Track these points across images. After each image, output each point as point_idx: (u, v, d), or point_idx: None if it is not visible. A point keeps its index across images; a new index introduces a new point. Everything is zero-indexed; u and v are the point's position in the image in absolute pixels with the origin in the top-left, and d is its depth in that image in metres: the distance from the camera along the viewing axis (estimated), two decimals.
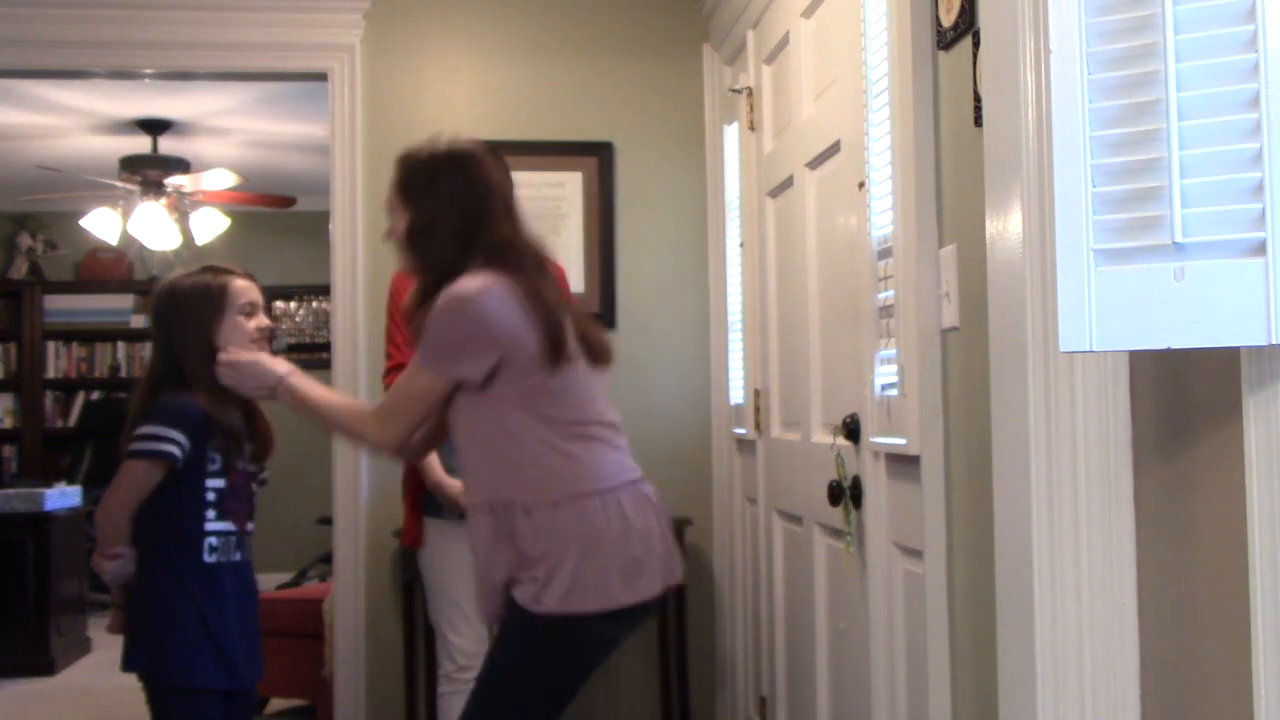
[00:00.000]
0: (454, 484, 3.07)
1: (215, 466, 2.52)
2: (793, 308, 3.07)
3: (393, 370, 3.16)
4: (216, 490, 2.52)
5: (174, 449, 2.45)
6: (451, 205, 2.28)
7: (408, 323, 2.38)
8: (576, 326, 2.29)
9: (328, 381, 3.95)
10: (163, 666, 2.45)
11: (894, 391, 2.34)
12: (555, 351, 2.21)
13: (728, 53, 3.82)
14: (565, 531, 2.18)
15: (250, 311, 2.57)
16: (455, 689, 3.13)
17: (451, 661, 3.11)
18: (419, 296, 2.30)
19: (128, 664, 2.51)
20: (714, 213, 4.00)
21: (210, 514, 2.51)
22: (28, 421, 7.95)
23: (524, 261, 2.28)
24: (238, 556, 2.54)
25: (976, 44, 1.95)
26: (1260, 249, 1.22)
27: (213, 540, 2.50)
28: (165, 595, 2.47)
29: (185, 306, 2.55)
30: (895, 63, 2.29)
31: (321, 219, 4.53)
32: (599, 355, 2.32)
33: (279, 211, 7.09)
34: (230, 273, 2.59)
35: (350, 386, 3.89)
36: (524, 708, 2.23)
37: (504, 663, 2.25)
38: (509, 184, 2.37)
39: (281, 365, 2.45)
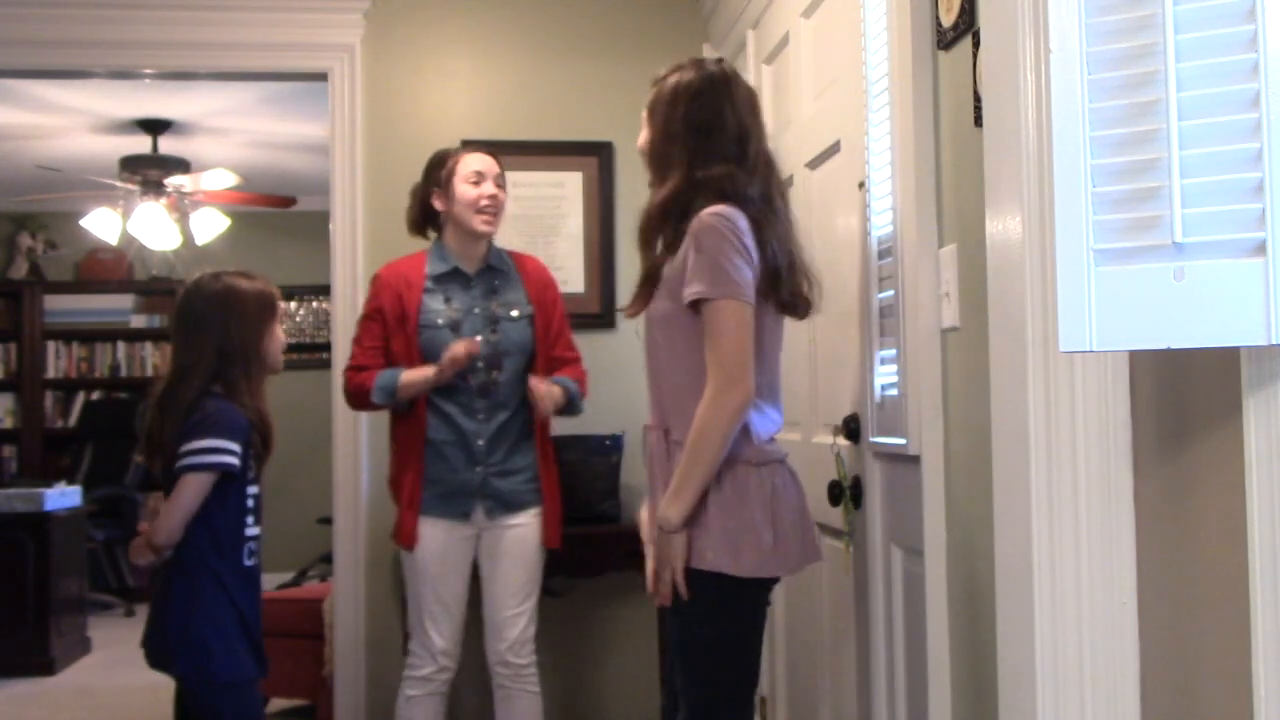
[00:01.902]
0: (423, 371, 3.04)
1: (252, 474, 2.59)
2: None
3: (352, 369, 3.13)
4: (254, 496, 2.60)
5: (233, 459, 2.51)
6: (679, 140, 2.33)
7: (642, 244, 2.36)
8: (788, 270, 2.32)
9: (327, 382, 3.96)
10: (211, 665, 2.50)
11: (894, 391, 2.34)
12: (775, 288, 2.25)
13: (728, 53, 3.82)
14: (723, 491, 2.22)
15: (282, 320, 2.65)
16: (430, 691, 3.10)
17: (433, 662, 3.08)
18: (654, 217, 2.34)
19: (168, 666, 2.54)
20: None
21: (249, 520, 2.58)
22: (28, 421, 7.95)
23: (752, 192, 2.30)
24: (259, 559, 2.64)
25: (976, 44, 1.95)
26: (1260, 249, 1.22)
27: (251, 545, 2.59)
28: (207, 599, 2.52)
29: (249, 311, 2.60)
30: (895, 63, 2.29)
31: (321, 219, 4.53)
32: (795, 307, 2.33)
33: (279, 211, 7.10)
34: (264, 280, 2.66)
35: None
36: (725, 671, 2.26)
37: (696, 632, 2.27)
38: (740, 122, 2.36)
39: (666, 520, 2.23)
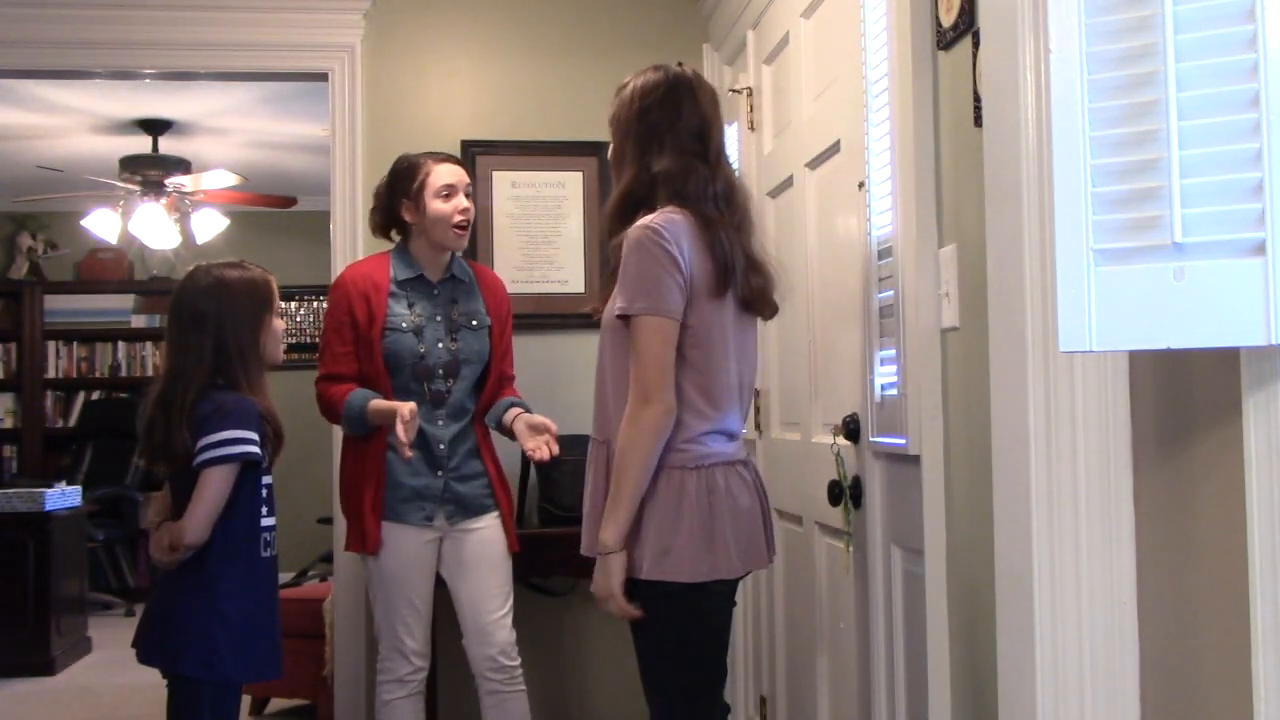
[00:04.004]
0: (398, 404, 2.98)
1: (265, 464, 2.56)
2: (793, 308, 3.06)
3: (325, 379, 3.08)
4: (268, 487, 2.57)
5: (255, 449, 2.49)
6: (633, 135, 2.34)
7: (606, 236, 2.38)
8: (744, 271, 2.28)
9: None
10: (220, 667, 2.47)
11: (894, 391, 2.34)
12: (726, 279, 2.22)
13: (728, 53, 3.82)
14: (656, 496, 2.20)
15: (280, 313, 2.61)
16: (409, 692, 3.08)
17: (408, 663, 3.07)
18: (613, 213, 2.35)
19: (175, 663, 2.50)
20: None
21: (264, 510, 2.55)
22: (28, 421, 7.96)
23: (713, 195, 2.28)
24: (276, 549, 2.60)
25: (976, 44, 1.95)
26: (1260, 249, 1.22)
27: (267, 535, 2.56)
28: (221, 595, 2.48)
29: (240, 301, 2.55)
30: (895, 63, 2.29)
31: (321, 219, 4.53)
32: (754, 304, 2.30)
33: (279, 211, 7.10)
34: (260, 270, 2.61)
35: None
36: (672, 676, 2.23)
37: (639, 638, 2.27)
38: (702, 116, 2.34)
39: (601, 543, 2.22)
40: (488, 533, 3.15)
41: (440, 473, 3.10)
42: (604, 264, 2.43)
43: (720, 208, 2.28)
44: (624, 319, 2.21)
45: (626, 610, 2.20)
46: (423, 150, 3.25)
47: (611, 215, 2.35)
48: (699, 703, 2.26)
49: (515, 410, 3.14)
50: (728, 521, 2.21)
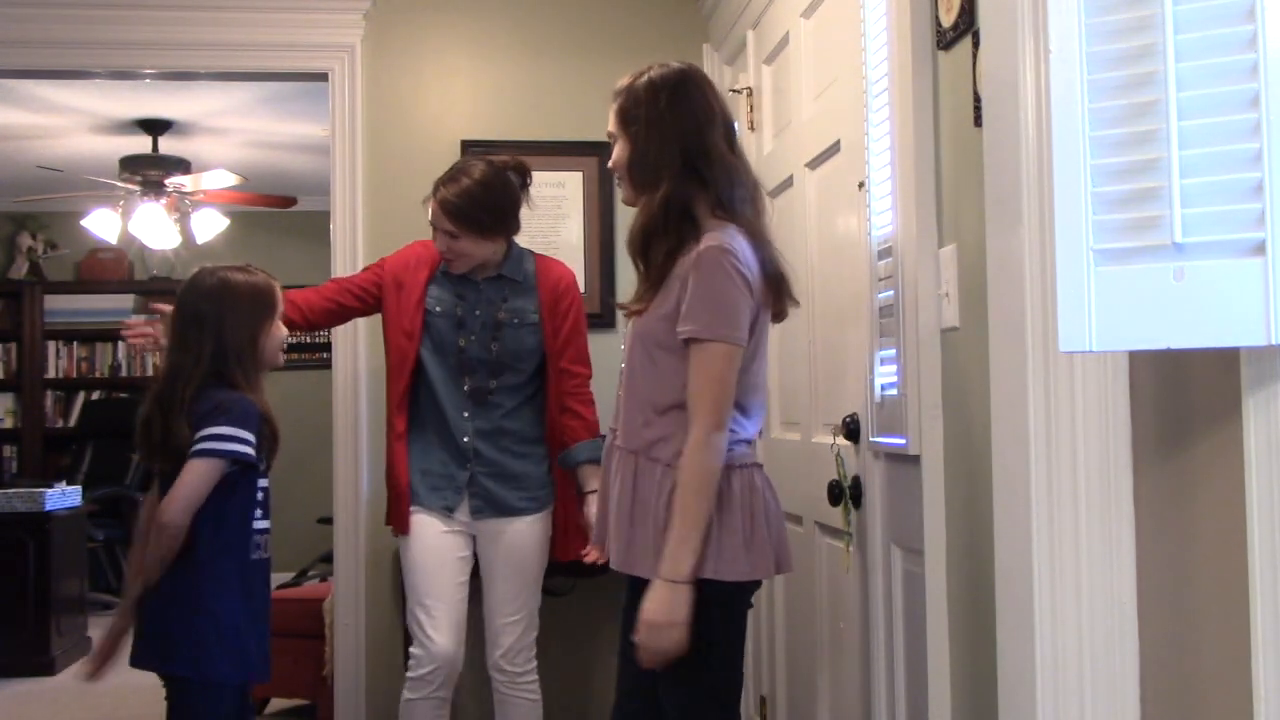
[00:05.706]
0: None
1: (262, 465, 2.55)
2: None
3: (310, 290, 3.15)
4: (263, 489, 2.56)
5: (248, 449, 2.47)
6: (670, 132, 2.20)
7: (639, 255, 2.24)
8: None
9: (327, 382, 3.96)
10: (209, 666, 2.46)
11: (894, 391, 2.34)
12: (779, 298, 2.20)
13: (728, 53, 3.82)
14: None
15: (284, 317, 2.61)
16: (427, 694, 3.06)
17: (430, 660, 3.04)
18: (654, 220, 2.19)
19: (167, 664, 2.49)
20: None
21: (258, 513, 2.54)
22: (28, 421, 7.95)
23: (748, 198, 2.22)
24: (269, 552, 2.59)
25: (976, 44, 1.95)
26: (1260, 249, 1.22)
27: (258, 539, 2.54)
28: (210, 595, 2.47)
29: (241, 304, 2.54)
30: (895, 63, 2.29)
31: (321, 219, 4.53)
32: (783, 312, 2.27)
33: (279, 211, 7.10)
34: (265, 274, 2.61)
35: (350, 386, 3.89)
36: (700, 675, 2.19)
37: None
38: (724, 107, 2.29)
39: (677, 572, 2.09)
40: (518, 537, 3.13)
41: (468, 464, 3.10)
42: (639, 266, 2.27)
43: (752, 209, 2.23)
44: (685, 341, 2.13)
45: (682, 643, 2.08)
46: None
47: (655, 223, 2.19)
48: (726, 701, 2.23)
49: (588, 484, 3.07)
50: (764, 522, 2.18)
